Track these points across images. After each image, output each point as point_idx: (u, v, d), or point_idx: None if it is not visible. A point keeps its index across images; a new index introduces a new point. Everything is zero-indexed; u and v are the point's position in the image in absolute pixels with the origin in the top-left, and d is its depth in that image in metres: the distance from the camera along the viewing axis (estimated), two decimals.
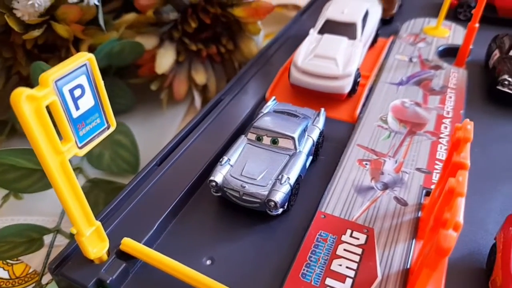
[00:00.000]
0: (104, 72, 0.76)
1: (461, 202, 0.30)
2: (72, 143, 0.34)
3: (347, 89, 0.58)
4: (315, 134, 0.51)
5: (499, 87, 0.63)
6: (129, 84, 0.80)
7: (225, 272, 0.41)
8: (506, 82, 0.63)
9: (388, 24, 0.84)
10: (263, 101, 0.63)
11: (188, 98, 0.82)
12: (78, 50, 0.67)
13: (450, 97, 0.62)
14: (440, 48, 0.75)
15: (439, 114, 0.59)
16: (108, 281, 0.38)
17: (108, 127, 0.38)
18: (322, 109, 0.55)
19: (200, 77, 0.79)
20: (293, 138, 0.48)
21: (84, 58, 0.34)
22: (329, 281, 0.38)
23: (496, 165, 0.54)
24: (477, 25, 0.67)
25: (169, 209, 0.46)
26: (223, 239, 0.45)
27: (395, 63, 0.70)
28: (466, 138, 0.36)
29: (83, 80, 0.34)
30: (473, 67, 0.72)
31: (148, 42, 0.74)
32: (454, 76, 0.67)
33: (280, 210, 0.45)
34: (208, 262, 0.43)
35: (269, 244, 0.44)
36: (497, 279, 0.38)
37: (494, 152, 0.56)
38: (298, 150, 0.48)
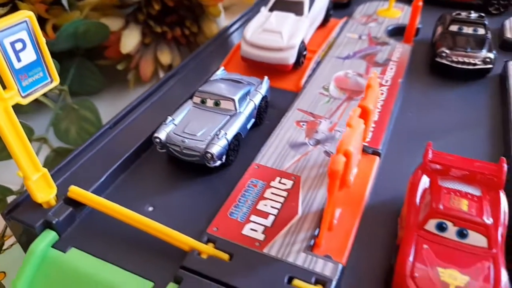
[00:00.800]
0: (72, 53, 0.82)
1: (350, 131, 0.34)
2: (14, 91, 0.38)
3: (292, 60, 0.62)
4: (257, 99, 0.56)
5: (438, 59, 0.68)
6: (97, 65, 0.84)
7: (165, 216, 0.45)
8: (444, 54, 0.67)
9: (346, 7, 0.89)
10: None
11: (154, 78, 0.86)
12: (42, 30, 0.71)
13: (391, 69, 0.67)
14: (390, 28, 0.79)
15: (378, 83, 0.63)
16: (54, 222, 0.42)
17: (51, 81, 0.41)
18: (266, 77, 0.59)
19: (165, 58, 0.84)
20: (233, 100, 0.52)
21: (24, 15, 0.38)
22: (253, 218, 0.43)
23: (427, 126, 0.58)
24: (420, 3, 0.72)
25: (118, 164, 0.50)
26: (166, 189, 0.49)
27: (345, 40, 0.75)
28: (369, 84, 0.40)
29: (24, 35, 0.38)
30: (421, 45, 0.77)
31: (113, 23, 0.79)
32: (398, 51, 0.72)
33: (218, 162, 0.49)
34: (150, 208, 0.47)
35: (207, 193, 0.48)
36: (402, 215, 0.42)
37: (427, 116, 0.61)
38: (238, 111, 0.52)
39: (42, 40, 0.40)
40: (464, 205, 0.38)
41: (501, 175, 0.41)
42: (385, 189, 0.48)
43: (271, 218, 0.43)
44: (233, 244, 0.40)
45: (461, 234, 0.36)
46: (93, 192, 0.46)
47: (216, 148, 0.48)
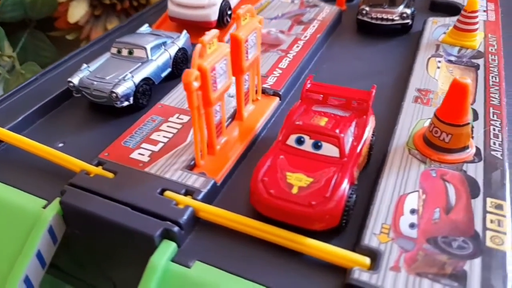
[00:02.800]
0: (25, 24, 0.86)
1: (199, 47, 0.38)
2: None
3: (213, 17, 0.66)
4: (173, 50, 0.59)
5: (359, 17, 0.71)
6: (50, 37, 0.88)
7: (72, 149, 0.49)
8: (364, 12, 0.70)
9: None
10: None
11: None
12: None
13: (314, 26, 0.70)
14: None
15: (297, 38, 0.66)
16: None
17: None
18: (184, 31, 0.63)
19: None
20: (144, 48, 0.56)
21: None
22: (144, 145, 0.46)
23: (338, 76, 0.61)
24: None
25: (36, 108, 0.54)
26: (78, 130, 0.53)
27: (277, 4, 0.78)
28: (238, 15, 0.43)
29: None
30: (354, 8, 0.80)
31: None
32: (326, 12, 0.75)
33: (125, 103, 0.53)
34: (61, 144, 0.51)
35: (116, 131, 0.51)
36: None
37: (341, 67, 0.64)
38: (150, 59, 0.56)
39: None
40: (323, 122, 0.41)
41: (368, 100, 0.44)
42: (280, 126, 0.51)
43: (160, 145, 0.46)
44: (119, 165, 0.44)
45: (316, 145, 0.39)
46: (9, 129, 0.50)
47: (121, 89, 0.51)
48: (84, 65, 0.56)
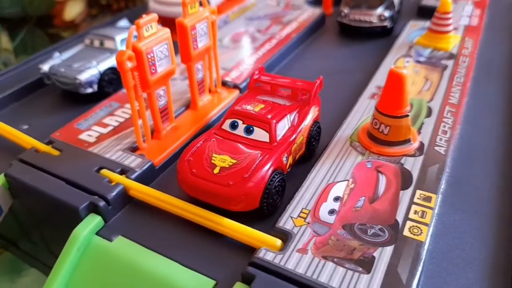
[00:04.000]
0: (24, 21, 0.91)
1: (133, 28, 0.39)
2: None
3: None
4: None
5: (338, 19, 0.71)
6: (48, 34, 0.92)
7: (33, 131, 0.51)
8: (343, 14, 0.70)
9: None
10: None
11: None
12: None
13: (291, 27, 0.70)
14: None
15: (271, 37, 0.67)
16: None
17: None
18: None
19: None
20: (114, 39, 0.58)
21: None
22: (94, 128, 0.48)
23: (309, 73, 0.61)
24: None
25: (9, 92, 0.57)
26: (44, 114, 0.55)
27: (263, 6, 0.79)
28: (184, 2, 0.45)
29: None
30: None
31: None
32: (307, 15, 0.75)
33: (89, 90, 0.55)
34: (25, 126, 0.53)
35: (78, 115, 0.53)
36: None
37: (312, 66, 0.64)
38: (119, 49, 0.58)
39: None
40: (258, 108, 0.41)
41: (311, 90, 0.44)
42: None
43: (109, 128, 0.48)
44: (66, 144, 0.45)
45: (248, 130, 0.40)
46: None
47: (84, 76, 0.53)
48: (57, 54, 0.58)
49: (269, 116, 0.40)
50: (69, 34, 0.91)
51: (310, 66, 0.64)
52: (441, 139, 0.43)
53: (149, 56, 0.40)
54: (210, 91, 0.53)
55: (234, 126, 0.41)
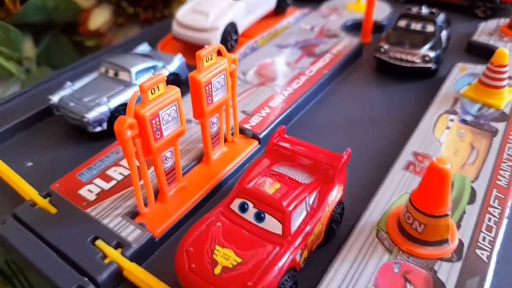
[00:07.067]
0: (49, 27, 0.88)
1: (136, 93, 0.34)
2: None
3: (215, 41, 0.62)
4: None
5: (377, 55, 0.64)
6: (72, 41, 0.89)
7: (38, 172, 0.48)
8: (382, 50, 0.63)
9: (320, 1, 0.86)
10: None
11: None
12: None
13: (324, 60, 0.64)
14: (349, 22, 0.76)
15: (301, 72, 0.61)
16: None
17: None
18: (179, 55, 0.60)
19: None
20: (129, 71, 0.54)
21: None
22: (97, 181, 0.44)
23: (337, 119, 0.56)
24: None
25: (16, 122, 0.54)
26: (50, 149, 0.52)
27: (296, 30, 0.73)
28: (199, 55, 0.40)
29: None
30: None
31: (84, 1, 0.83)
32: (342, 45, 0.68)
33: (98, 128, 0.51)
34: (30, 163, 0.50)
35: (85, 155, 0.50)
36: None
37: (342, 108, 0.58)
38: (133, 83, 0.54)
39: None
40: (273, 188, 0.36)
41: (337, 166, 0.38)
42: None
43: (112, 183, 0.44)
44: (64, 200, 0.42)
45: (258, 216, 0.35)
46: None
47: (93, 114, 0.50)
48: (68, 83, 0.55)
49: (285, 204, 0.34)
50: (94, 43, 0.87)
51: (340, 110, 0.58)
52: (484, 239, 0.37)
53: (154, 122, 0.36)
54: (226, 140, 0.49)
55: (243, 208, 0.36)
